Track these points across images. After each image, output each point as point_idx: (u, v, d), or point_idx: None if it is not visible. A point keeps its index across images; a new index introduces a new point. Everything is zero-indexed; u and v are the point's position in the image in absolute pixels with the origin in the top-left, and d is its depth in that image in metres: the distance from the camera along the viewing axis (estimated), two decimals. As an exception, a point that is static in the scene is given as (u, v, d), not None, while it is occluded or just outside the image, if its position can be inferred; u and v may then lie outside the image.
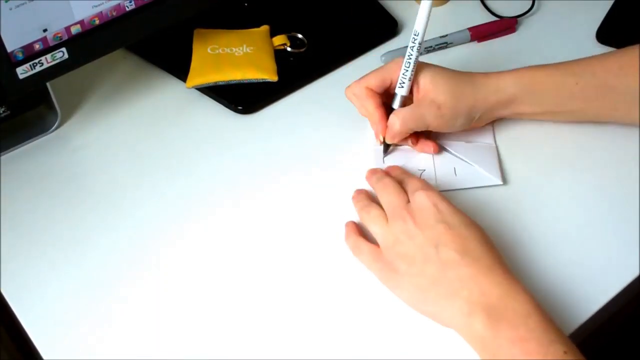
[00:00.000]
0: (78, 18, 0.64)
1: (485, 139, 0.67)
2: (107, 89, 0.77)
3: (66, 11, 0.63)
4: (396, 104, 0.64)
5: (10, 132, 0.70)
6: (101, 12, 0.65)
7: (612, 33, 0.78)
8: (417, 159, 0.66)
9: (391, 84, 0.65)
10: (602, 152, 0.66)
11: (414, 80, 0.63)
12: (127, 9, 0.67)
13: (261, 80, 0.75)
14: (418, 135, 0.66)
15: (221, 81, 0.74)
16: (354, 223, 0.60)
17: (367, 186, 0.64)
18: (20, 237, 0.62)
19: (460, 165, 0.65)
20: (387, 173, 0.63)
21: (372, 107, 0.64)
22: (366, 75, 0.65)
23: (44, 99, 0.70)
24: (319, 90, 0.75)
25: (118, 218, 0.63)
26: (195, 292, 0.57)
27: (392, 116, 0.63)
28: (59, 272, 0.59)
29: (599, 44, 0.77)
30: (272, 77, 0.75)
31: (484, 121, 0.66)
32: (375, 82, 0.64)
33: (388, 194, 0.58)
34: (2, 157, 0.70)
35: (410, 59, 0.62)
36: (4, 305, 0.58)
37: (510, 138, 0.67)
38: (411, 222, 0.55)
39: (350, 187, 0.64)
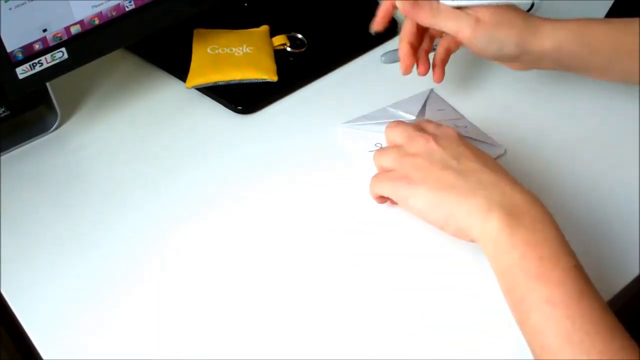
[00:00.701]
0: (78, 18, 0.64)
1: (464, 123, 0.68)
2: (107, 89, 0.77)
3: (66, 11, 0.63)
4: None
5: (10, 132, 0.70)
6: (101, 12, 0.65)
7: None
8: None
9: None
10: (601, 151, 0.66)
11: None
12: (127, 9, 0.67)
13: (261, 80, 0.75)
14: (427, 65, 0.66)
15: (221, 81, 0.74)
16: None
17: (366, 187, 0.64)
18: (20, 237, 0.62)
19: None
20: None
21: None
22: None
23: (44, 99, 0.70)
24: (319, 90, 0.75)
25: (118, 218, 0.63)
26: (195, 292, 0.57)
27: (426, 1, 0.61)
28: (59, 272, 0.59)
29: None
30: (272, 77, 0.75)
31: (521, 66, 0.63)
32: None
33: (405, 127, 0.57)
34: (2, 157, 0.70)
35: None
36: (4, 305, 0.58)
37: (496, 125, 0.68)
38: (433, 142, 0.54)
39: (351, 187, 0.64)
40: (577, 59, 0.61)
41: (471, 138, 0.66)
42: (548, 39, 0.60)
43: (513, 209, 0.48)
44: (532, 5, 0.82)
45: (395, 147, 0.58)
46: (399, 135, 0.58)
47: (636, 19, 0.61)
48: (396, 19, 0.82)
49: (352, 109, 0.73)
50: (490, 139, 0.67)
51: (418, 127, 0.58)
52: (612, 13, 0.80)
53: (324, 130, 0.71)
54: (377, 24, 0.66)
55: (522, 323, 0.47)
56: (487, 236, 0.49)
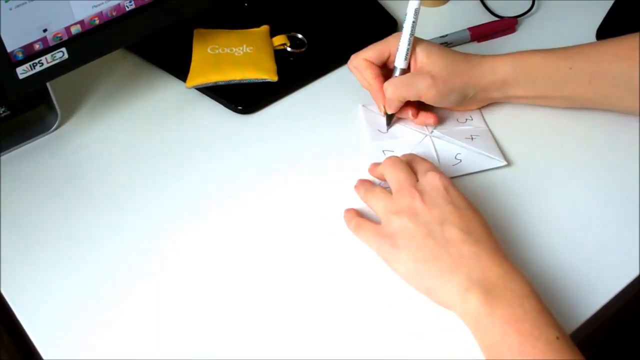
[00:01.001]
0: (78, 18, 0.64)
1: (478, 124, 0.68)
2: (107, 89, 0.77)
3: (66, 11, 0.63)
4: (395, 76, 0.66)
5: (10, 132, 0.70)
6: (101, 12, 0.65)
7: (612, 33, 0.77)
8: (419, 148, 0.67)
9: (389, 57, 0.67)
10: (601, 151, 0.66)
11: (411, 54, 0.65)
12: (127, 9, 0.67)
13: (261, 80, 0.75)
14: (418, 108, 0.67)
15: (221, 81, 0.74)
16: (353, 209, 0.61)
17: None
18: (20, 237, 0.62)
19: (463, 151, 0.66)
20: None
21: (371, 77, 0.67)
22: (365, 48, 0.67)
23: (44, 99, 0.70)
24: (319, 90, 0.75)
25: (118, 218, 0.63)
26: (195, 291, 0.57)
27: (386, 83, 0.65)
28: (59, 272, 0.59)
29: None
30: (272, 77, 0.75)
31: (478, 103, 0.68)
32: (373, 54, 0.67)
33: (397, 171, 0.58)
34: (2, 157, 0.70)
35: (407, 31, 0.64)
36: (4, 305, 0.58)
37: (505, 127, 0.67)
38: (419, 199, 0.54)
39: (351, 186, 0.64)
40: (519, 87, 0.65)
41: (474, 150, 0.66)
42: (492, 73, 0.65)
43: (492, 286, 0.49)
44: (533, 4, 0.82)
45: (383, 194, 0.58)
46: (391, 178, 0.58)
47: (574, 46, 0.65)
48: (395, 18, 0.82)
49: (352, 109, 0.72)
50: (495, 150, 0.66)
51: (408, 172, 0.58)
52: (612, 13, 0.80)
53: (324, 130, 0.71)
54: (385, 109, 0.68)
55: None
56: (468, 314, 0.49)
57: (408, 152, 0.66)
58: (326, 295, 0.56)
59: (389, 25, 0.81)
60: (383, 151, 0.67)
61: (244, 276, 0.58)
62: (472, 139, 0.66)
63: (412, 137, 0.68)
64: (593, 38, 0.77)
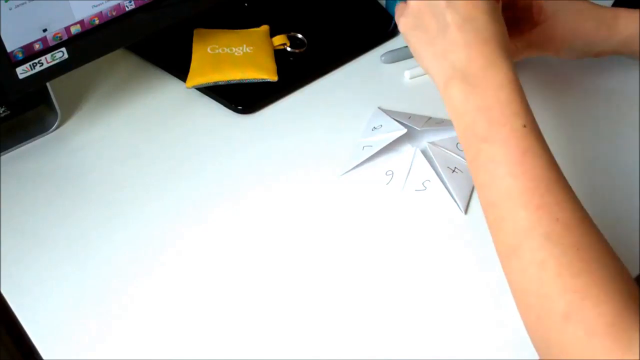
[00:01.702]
0: (78, 18, 0.64)
1: None
2: (107, 89, 0.77)
3: (66, 11, 0.63)
4: None
5: (10, 132, 0.70)
6: (101, 12, 0.65)
7: (612, 33, 0.77)
8: (398, 154, 0.66)
9: None
10: (601, 151, 0.66)
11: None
12: (127, 9, 0.67)
13: (261, 80, 0.75)
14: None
15: (221, 81, 0.74)
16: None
17: (367, 187, 0.64)
18: (20, 237, 0.62)
19: (433, 180, 0.64)
20: None
21: None
22: None
23: (44, 99, 0.70)
24: (319, 90, 0.75)
25: (118, 218, 0.63)
26: (196, 292, 0.57)
27: None
28: (59, 272, 0.59)
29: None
30: (272, 77, 0.75)
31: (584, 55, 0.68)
32: None
33: None
34: (2, 157, 0.70)
35: None
36: (4, 305, 0.58)
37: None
38: None
39: (351, 186, 0.64)
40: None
41: (445, 184, 0.64)
42: (619, 33, 0.65)
43: (472, 76, 0.52)
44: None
45: None
46: None
47: None
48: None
49: (352, 109, 0.73)
50: (464, 196, 0.64)
51: None
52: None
53: (324, 130, 0.71)
54: None
55: (474, 182, 0.51)
56: (448, 101, 0.53)
57: (384, 146, 0.65)
58: (327, 296, 0.56)
59: (389, 26, 0.81)
60: (362, 147, 0.66)
61: (244, 276, 0.58)
62: (453, 171, 0.64)
63: (397, 141, 0.66)
64: (593, 38, 0.77)
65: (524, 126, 0.49)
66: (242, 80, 0.74)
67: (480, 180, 0.50)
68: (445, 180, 0.63)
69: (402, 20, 0.59)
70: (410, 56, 0.77)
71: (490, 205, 0.49)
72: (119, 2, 0.66)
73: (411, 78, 0.76)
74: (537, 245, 0.45)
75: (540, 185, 0.47)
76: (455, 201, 0.62)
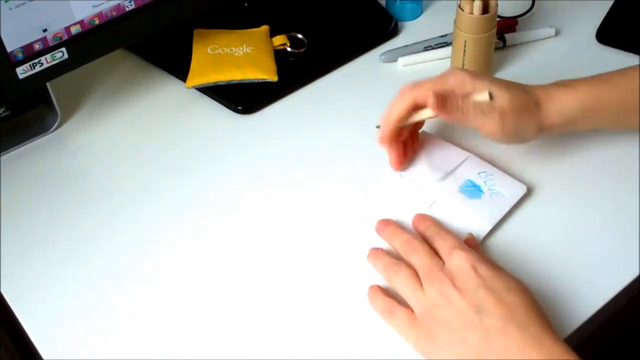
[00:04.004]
0: (78, 18, 0.64)
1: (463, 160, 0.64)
2: (107, 89, 0.77)
3: (66, 11, 0.63)
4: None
5: (10, 132, 0.70)
6: (101, 12, 0.65)
7: (612, 33, 0.78)
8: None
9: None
10: (601, 151, 0.66)
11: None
12: (127, 9, 0.67)
13: (261, 80, 0.75)
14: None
15: (221, 81, 0.74)
16: (377, 285, 0.56)
17: (367, 187, 0.64)
18: (20, 237, 0.62)
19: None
20: (415, 227, 0.59)
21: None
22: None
23: (44, 99, 0.70)
24: (319, 90, 0.75)
25: (118, 218, 0.63)
26: (196, 292, 0.57)
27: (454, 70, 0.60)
28: (59, 272, 0.59)
29: (599, 44, 0.77)
30: (272, 77, 0.75)
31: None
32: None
33: (420, 257, 0.54)
34: (2, 157, 0.70)
35: None
36: (4, 305, 0.58)
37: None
38: (449, 285, 0.51)
39: (350, 186, 0.64)
40: (584, 124, 0.63)
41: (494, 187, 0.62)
42: (557, 115, 0.61)
43: None
44: (533, 4, 0.82)
45: (408, 278, 0.53)
46: (415, 262, 0.54)
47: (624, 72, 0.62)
48: (396, 19, 0.82)
49: (352, 109, 0.73)
50: (511, 180, 0.63)
51: (431, 254, 0.54)
52: (612, 13, 0.80)
53: (324, 130, 0.71)
54: (398, 165, 0.64)
55: None
56: None
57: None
58: (327, 297, 0.56)
59: (389, 26, 0.81)
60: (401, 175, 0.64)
61: (244, 276, 0.58)
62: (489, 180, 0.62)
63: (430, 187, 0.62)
64: (593, 38, 0.77)
65: None
66: (242, 80, 0.74)
67: None
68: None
69: (423, 341, 0.51)
70: (408, 54, 0.77)
71: None
72: (119, 2, 0.66)
73: (404, 66, 0.77)
74: None
75: None
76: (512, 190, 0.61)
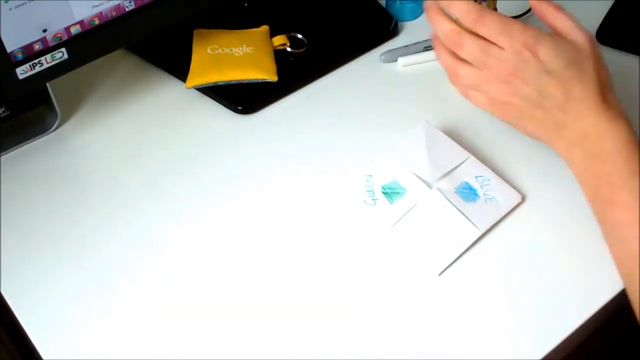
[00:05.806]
0: (78, 18, 0.64)
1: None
2: (107, 89, 0.77)
3: (66, 11, 0.63)
4: None
5: (10, 132, 0.70)
6: (101, 12, 0.65)
7: (612, 33, 0.78)
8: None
9: None
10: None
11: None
12: (127, 9, 0.67)
13: (261, 81, 0.75)
14: None
15: (221, 81, 0.74)
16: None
17: (364, 184, 0.64)
18: (20, 237, 0.62)
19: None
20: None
21: None
22: None
23: (44, 99, 0.70)
24: (319, 90, 0.75)
25: (118, 218, 0.63)
26: (196, 293, 0.57)
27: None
28: (58, 272, 0.59)
29: (599, 44, 0.77)
30: (272, 77, 0.75)
31: None
32: None
33: (471, 44, 0.56)
34: (2, 157, 0.70)
35: None
36: (4, 305, 0.58)
37: (502, 142, 0.68)
38: (513, 77, 0.54)
39: (350, 187, 0.64)
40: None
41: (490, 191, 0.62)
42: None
43: (589, 146, 0.54)
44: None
45: (472, 58, 0.56)
46: (469, 46, 0.56)
47: None
48: (396, 19, 0.82)
49: (352, 109, 0.73)
50: (507, 187, 0.62)
51: (483, 43, 0.55)
52: (612, 13, 0.80)
53: (324, 130, 0.71)
54: None
55: (606, 241, 0.54)
56: (570, 164, 0.56)
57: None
58: (327, 297, 0.56)
59: (389, 26, 0.81)
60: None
61: (244, 276, 0.58)
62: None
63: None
64: (593, 38, 0.77)
65: None
66: (242, 80, 0.74)
67: (609, 241, 0.53)
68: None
69: (477, 96, 0.58)
70: (408, 54, 0.77)
71: (620, 263, 0.52)
72: (119, 2, 0.66)
73: (404, 66, 0.77)
74: None
75: None
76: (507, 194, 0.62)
